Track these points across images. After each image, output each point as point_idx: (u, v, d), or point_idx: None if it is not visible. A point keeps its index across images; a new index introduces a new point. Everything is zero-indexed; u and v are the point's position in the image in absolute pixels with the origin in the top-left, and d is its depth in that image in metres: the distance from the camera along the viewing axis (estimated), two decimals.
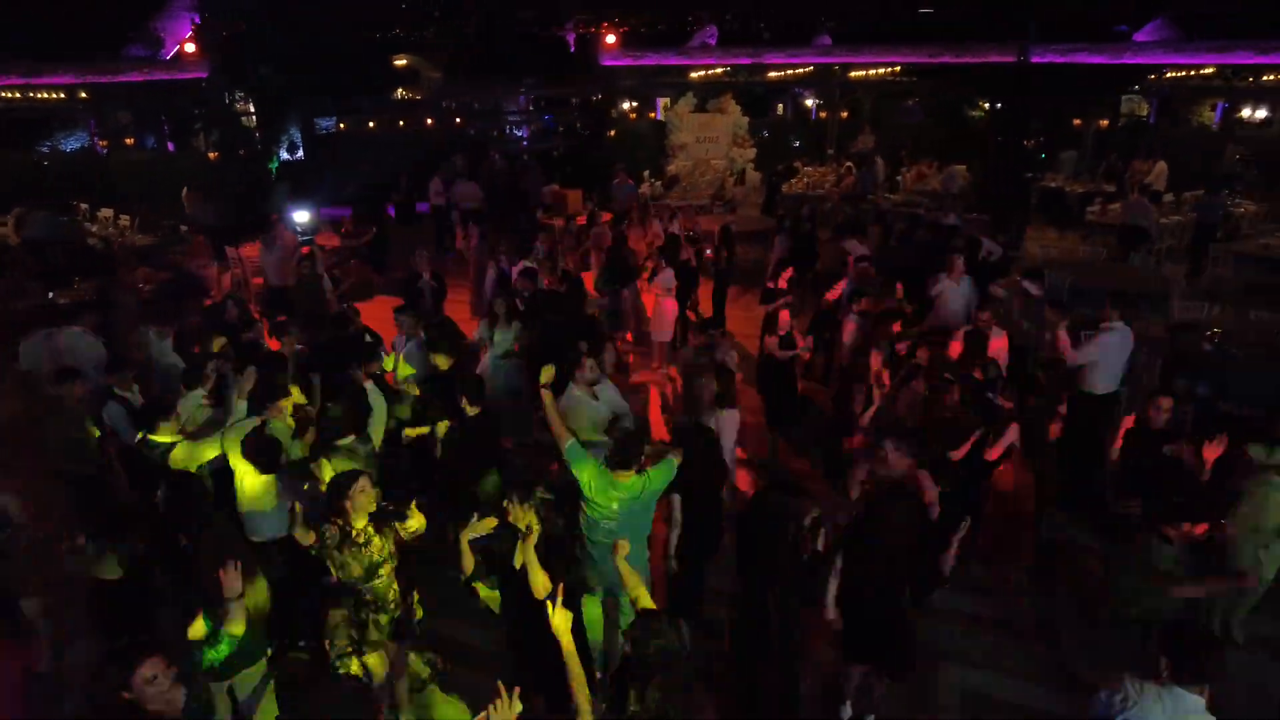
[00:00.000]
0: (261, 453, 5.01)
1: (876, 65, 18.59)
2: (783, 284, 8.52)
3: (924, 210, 14.68)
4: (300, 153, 21.38)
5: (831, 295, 8.60)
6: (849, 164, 19.21)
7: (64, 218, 13.79)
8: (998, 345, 6.68)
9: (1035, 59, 14.19)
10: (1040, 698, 4.96)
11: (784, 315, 7.50)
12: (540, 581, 3.95)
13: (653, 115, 22.48)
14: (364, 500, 4.31)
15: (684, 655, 3.12)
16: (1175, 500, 4.43)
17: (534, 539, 3.99)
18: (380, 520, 4.42)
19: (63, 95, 17.44)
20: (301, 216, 11.43)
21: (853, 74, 19.53)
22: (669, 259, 9.76)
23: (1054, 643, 5.36)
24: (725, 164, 20.55)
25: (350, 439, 5.36)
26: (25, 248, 12.89)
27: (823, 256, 11.24)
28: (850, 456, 5.97)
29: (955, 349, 6.64)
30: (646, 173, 19.58)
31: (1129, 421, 5.73)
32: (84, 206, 16.11)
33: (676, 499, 4.83)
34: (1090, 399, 6.39)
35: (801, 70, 20.28)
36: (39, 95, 18.04)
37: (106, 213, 16.14)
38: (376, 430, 5.61)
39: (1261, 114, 19.84)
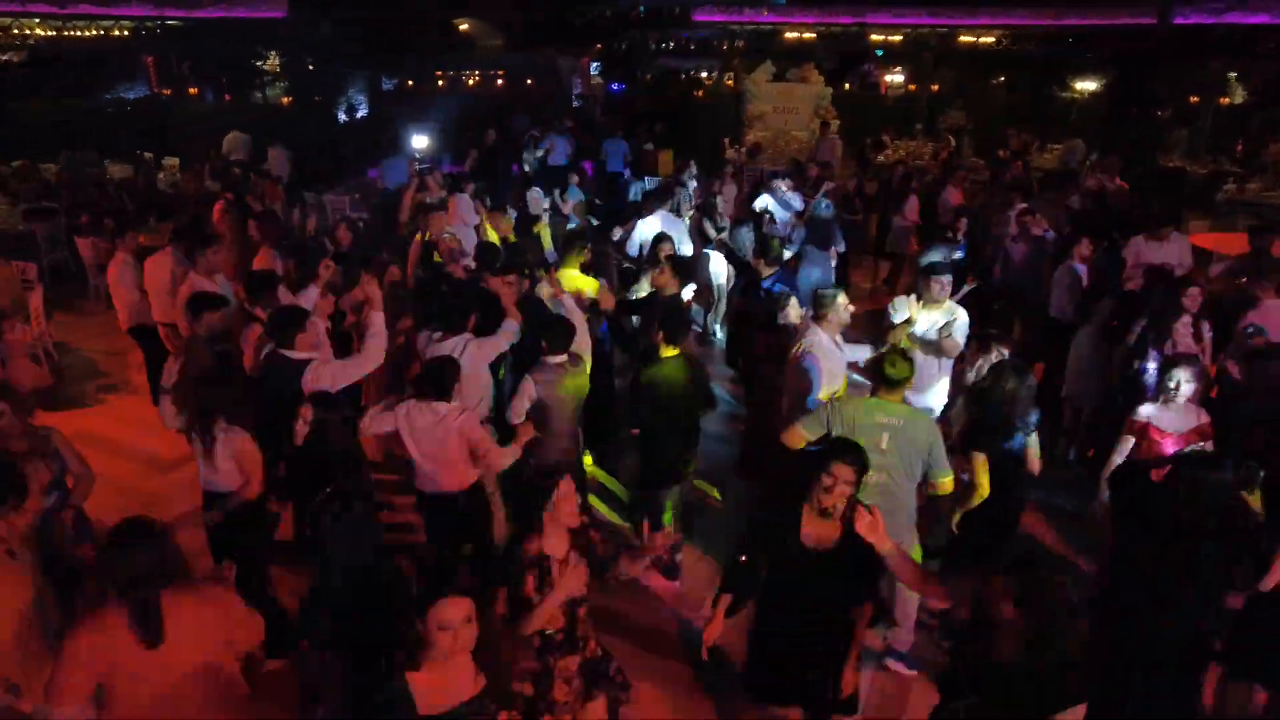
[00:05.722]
0: (427, 378, 4.17)
1: (992, 28, 17.36)
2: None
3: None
4: (361, 113, 20.66)
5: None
6: (950, 137, 18.16)
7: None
8: None
9: (1178, 20, 12.98)
10: None
11: None
12: None
13: (729, 83, 21.45)
14: (569, 510, 3.13)
15: None
16: None
17: None
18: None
19: (127, 33, 16.66)
20: (420, 142, 10.51)
21: (962, 38, 18.33)
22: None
23: None
24: (808, 135, 19.57)
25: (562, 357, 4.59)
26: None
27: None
28: None
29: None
30: (728, 140, 18.66)
31: None
32: (149, 155, 15.55)
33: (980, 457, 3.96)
34: None
35: (896, 37, 19.12)
36: (85, 33, 17.31)
37: (172, 162, 15.67)
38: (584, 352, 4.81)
39: None
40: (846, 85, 28.97)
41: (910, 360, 4.14)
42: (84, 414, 7.48)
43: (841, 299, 4.89)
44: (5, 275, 8.10)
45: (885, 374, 4.04)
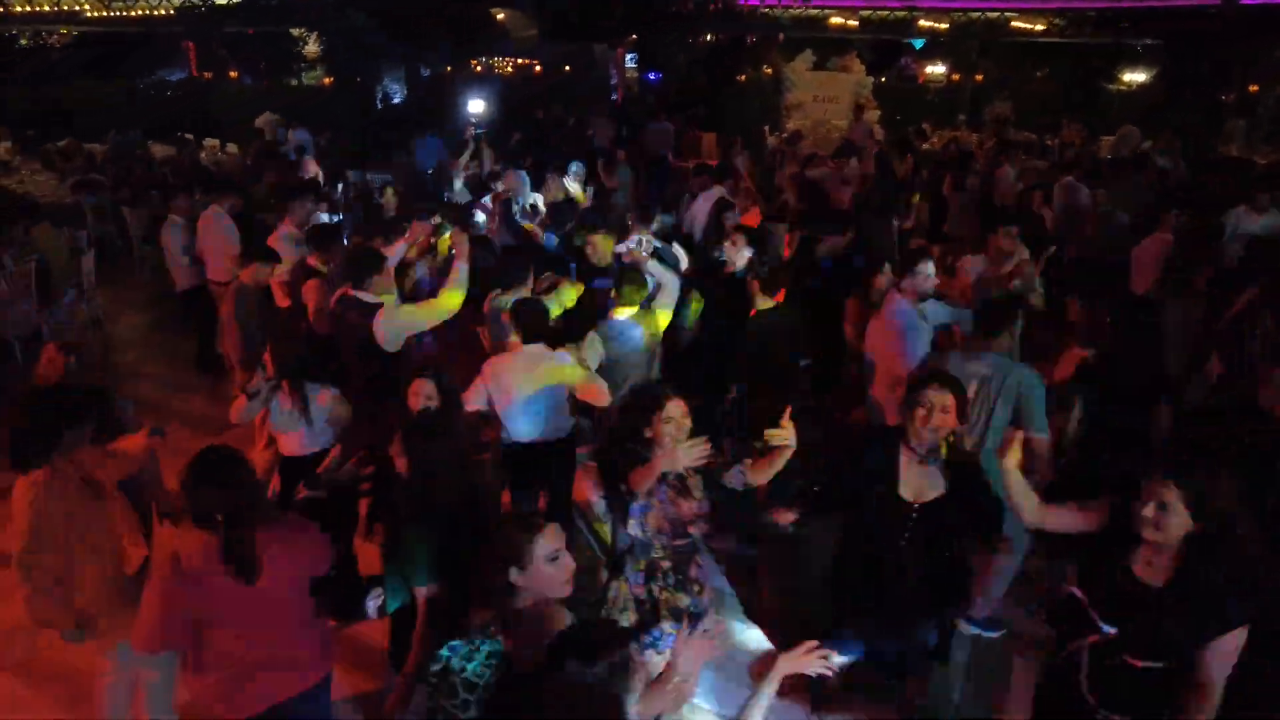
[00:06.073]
0: (529, 319, 3.93)
1: (1045, 12, 16.89)
2: None
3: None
4: (397, 99, 20.53)
5: None
6: (995, 127, 17.73)
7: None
8: None
9: (1246, 0, 12.47)
10: None
11: None
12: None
13: (768, 71, 21.20)
14: (674, 430, 2.90)
15: None
16: None
17: None
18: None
19: (173, 11, 16.70)
20: (476, 106, 10.37)
21: (1015, 23, 17.89)
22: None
23: None
24: (848, 124, 19.18)
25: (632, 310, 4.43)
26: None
27: None
28: None
29: None
30: (767, 128, 18.40)
31: None
32: (190, 136, 15.58)
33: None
34: None
35: (944, 24, 18.72)
36: (131, 12, 17.35)
37: (213, 142, 15.74)
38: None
39: None
40: (883, 79, 28.65)
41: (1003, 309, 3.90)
42: (131, 380, 7.40)
43: (925, 266, 4.55)
44: (55, 242, 8.06)
45: (976, 321, 3.84)
